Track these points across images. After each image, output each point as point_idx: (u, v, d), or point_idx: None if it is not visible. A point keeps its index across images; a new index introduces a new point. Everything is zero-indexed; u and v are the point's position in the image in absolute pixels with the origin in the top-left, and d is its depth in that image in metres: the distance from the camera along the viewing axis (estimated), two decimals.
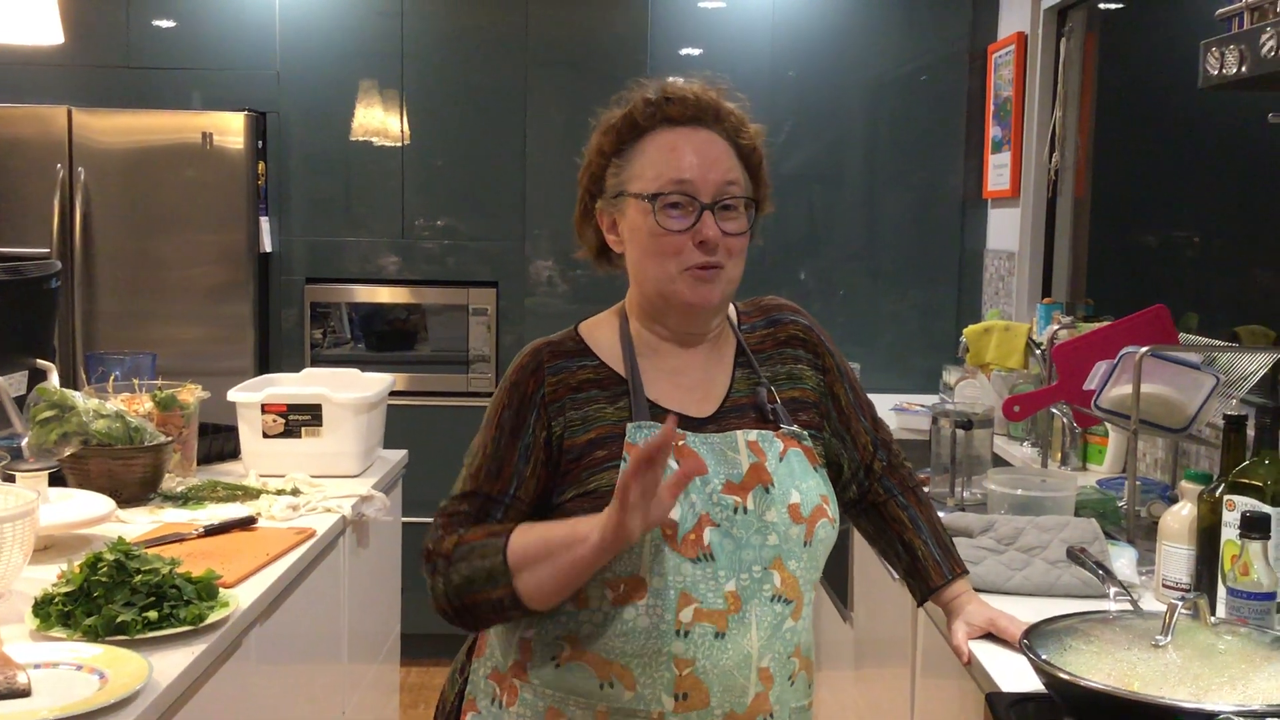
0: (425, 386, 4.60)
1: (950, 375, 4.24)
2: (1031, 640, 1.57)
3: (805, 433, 1.67)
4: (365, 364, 4.19)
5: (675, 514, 1.51)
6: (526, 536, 1.51)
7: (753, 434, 1.61)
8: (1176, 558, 2.09)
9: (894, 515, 1.86)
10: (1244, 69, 1.63)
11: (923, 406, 4.17)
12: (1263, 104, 3.02)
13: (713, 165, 1.58)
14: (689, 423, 1.60)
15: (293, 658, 2.41)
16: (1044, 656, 1.52)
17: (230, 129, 4.32)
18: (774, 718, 1.57)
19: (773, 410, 1.65)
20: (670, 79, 1.65)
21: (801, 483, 1.61)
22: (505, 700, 1.61)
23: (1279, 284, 3.36)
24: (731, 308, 1.76)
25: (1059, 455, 3.35)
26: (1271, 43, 1.51)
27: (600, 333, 1.67)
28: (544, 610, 1.53)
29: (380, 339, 4.65)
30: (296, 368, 4.39)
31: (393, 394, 4.37)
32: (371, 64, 4.54)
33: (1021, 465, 3.32)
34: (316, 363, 4.46)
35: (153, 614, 1.82)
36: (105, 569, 1.85)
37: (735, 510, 1.55)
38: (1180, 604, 1.53)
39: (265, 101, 4.50)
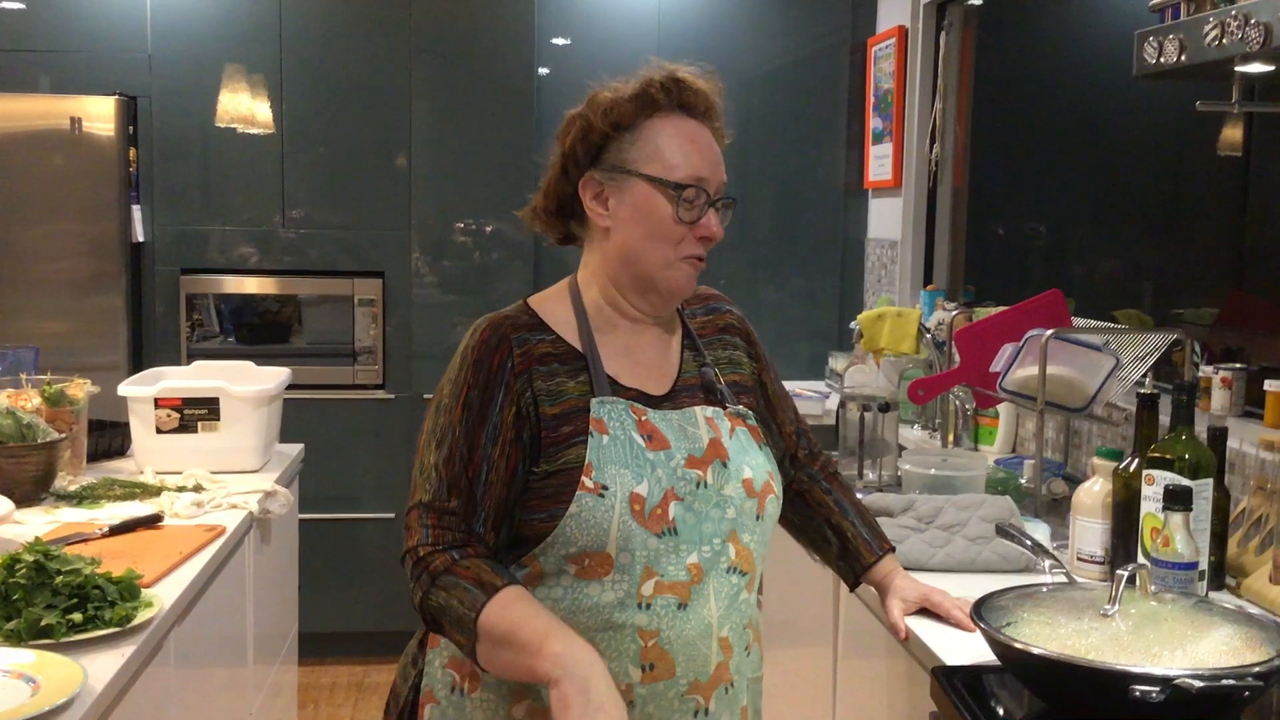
0: (310, 379, 4.48)
1: (838, 362, 4.32)
2: (981, 614, 1.61)
3: (750, 412, 1.72)
4: (240, 357, 4.06)
5: (643, 489, 1.53)
6: (503, 614, 1.45)
7: (709, 410, 1.65)
8: (1091, 531, 2.17)
9: (819, 500, 1.91)
10: (1184, 58, 1.69)
11: (815, 392, 4.24)
12: (1134, 95, 3.15)
13: (718, 164, 1.64)
14: (647, 399, 1.62)
15: (206, 660, 2.33)
16: (999, 627, 1.56)
17: (100, 114, 4.13)
18: (734, 686, 1.60)
19: (720, 391, 1.69)
20: (680, 65, 1.65)
21: (752, 459, 1.65)
22: (467, 687, 1.58)
23: (1143, 270, 3.52)
24: None
25: (952, 437, 3.44)
26: (1215, 32, 1.57)
27: (552, 307, 1.66)
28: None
29: (252, 331, 4.50)
30: (172, 362, 4.23)
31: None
32: (248, 49, 4.40)
33: (914, 445, 3.40)
34: (195, 356, 4.30)
35: (77, 616, 1.75)
36: (24, 570, 1.76)
37: (698, 485, 1.58)
38: (1125, 574, 1.58)
39: (136, 86, 4.32)
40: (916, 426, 3.68)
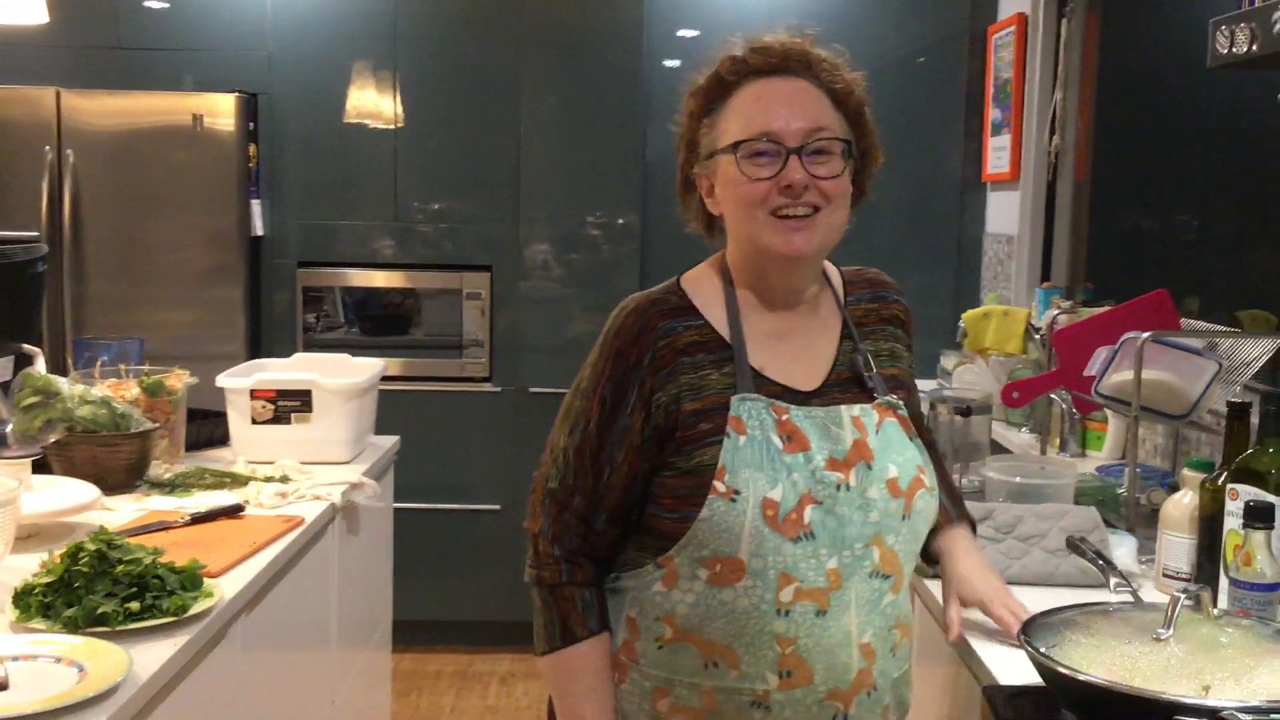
0: (419, 371, 4.56)
1: (948, 360, 4.20)
2: (1030, 633, 1.53)
3: (900, 403, 1.64)
4: (359, 348, 4.15)
5: (776, 494, 1.49)
6: (580, 659, 1.58)
7: (855, 409, 1.58)
8: (1178, 547, 2.06)
9: None
10: (1254, 48, 1.58)
11: (923, 392, 4.13)
12: (1270, 84, 2.97)
13: (800, 112, 1.54)
14: (794, 395, 1.57)
15: (280, 647, 2.38)
16: (1042, 649, 1.49)
17: (221, 110, 4.26)
18: (878, 689, 1.55)
19: (869, 378, 1.62)
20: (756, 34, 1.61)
21: (898, 455, 1.58)
22: (618, 678, 1.61)
23: (1277, 269, 3.33)
24: (837, 275, 1.72)
25: (1058, 442, 3.31)
26: None
27: (702, 288, 1.62)
28: None
29: (374, 323, 4.61)
30: (288, 353, 4.33)
31: (386, 379, 4.34)
32: (364, 45, 4.49)
33: (1020, 452, 3.28)
34: (309, 347, 4.42)
35: (135, 605, 1.79)
36: (86, 559, 1.81)
37: (838, 487, 1.52)
38: (1183, 596, 1.49)
39: (256, 83, 4.44)
40: (1025, 430, 3.55)
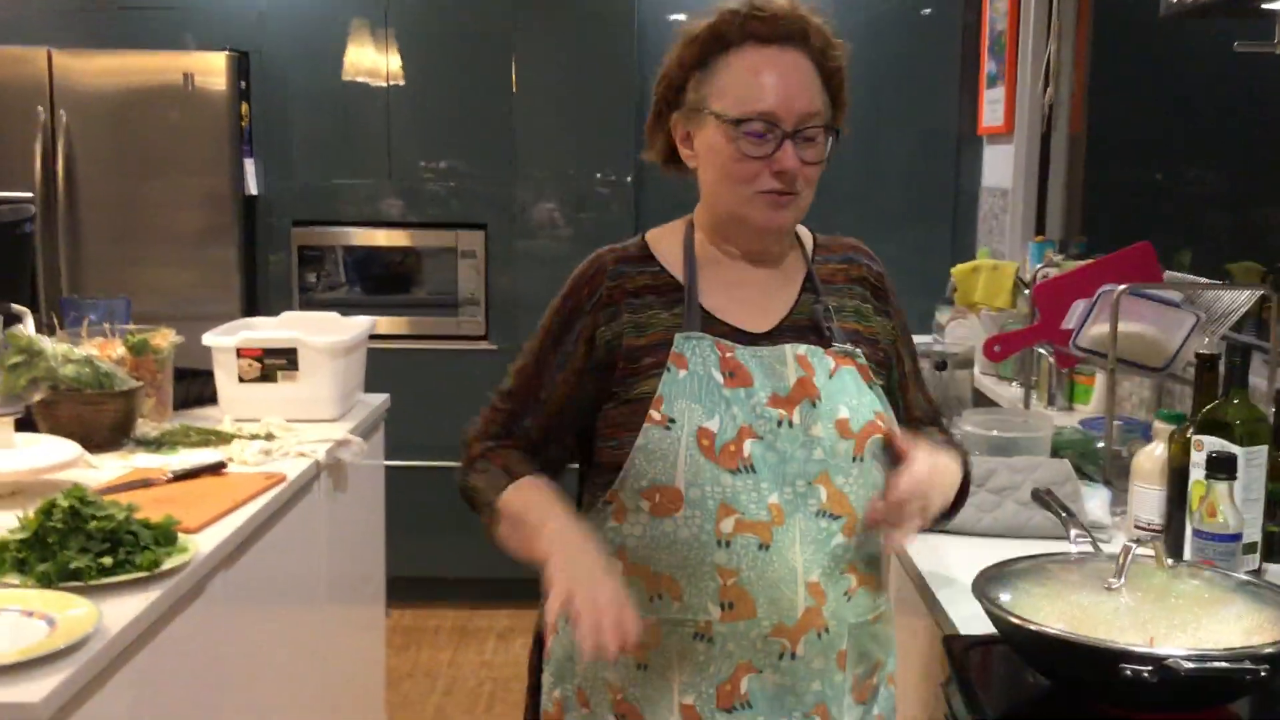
0: (418, 330, 4.58)
1: (943, 315, 4.19)
2: (985, 583, 1.54)
3: (858, 350, 1.63)
4: (357, 308, 4.18)
5: (713, 424, 1.52)
6: (519, 495, 1.59)
7: (801, 348, 1.59)
8: (1148, 498, 2.07)
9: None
10: None
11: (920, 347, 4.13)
12: (1253, 36, 2.94)
13: (798, 94, 1.55)
14: (742, 336, 1.60)
15: (263, 603, 2.41)
16: (996, 599, 1.50)
17: (212, 69, 4.25)
18: (829, 632, 1.56)
19: (828, 329, 1.63)
20: None
21: (853, 399, 1.58)
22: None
23: (1275, 220, 3.30)
24: (809, 238, 1.74)
25: (1046, 395, 3.31)
26: None
27: (665, 241, 1.68)
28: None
29: (373, 282, 4.62)
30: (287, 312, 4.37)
31: (384, 337, 4.38)
32: (357, 4, 4.46)
33: (1008, 405, 3.29)
34: (308, 307, 4.44)
35: (107, 560, 1.81)
36: (60, 515, 1.83)
37: (779, 424, 1.54)
38: (1135, 546, 1.50)
39: (248, 41, 4.43)
40: (1016, 384, 3.55)
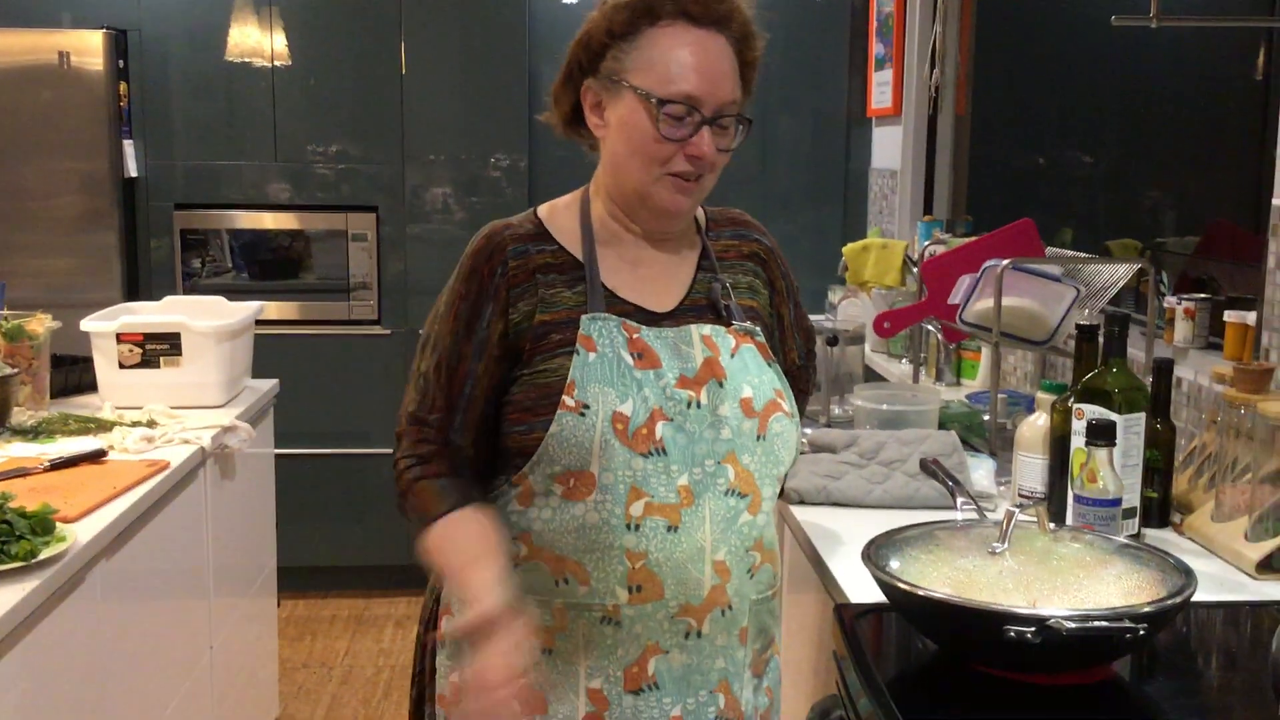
0: (309, 315, 4.49)
1: (834, 294, 4.24)
2: (874, 551, 1.56)
3: (757, 329, 1.64)
4: (245, 293, 4.07)
5: (627, 408, 1.50)
6: (444, 531, 1.52)
7: (706, 328, 1.60)
8: (1031, 467, 2.12)
9: None
10: None
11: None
12: (1130, 7, 3.01)
13: (720, 81, 1.54)
14: (646, 316, 1.58)
15: (146, 593, 2.34)
16: (885, 566, 1.51)
17: (89, 48, 4.11)
18: (733, 609, 1.56)
19: (726, 307, 1.63)
20: None
21: (754, 378, 1.59)
22: None
23: (1152, 199, 3.40)
24: (700, 211, 1.73)
25: (934, 371, 3.37)
26: None
27: (559, 217, 1.63)
28: None
29: (261, 267, 4.51)
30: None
31: (274, 323, 4.29)
32: None
33: (897, 381, 3.34)
34: (194, 292, 4.32)
35: None
36: None
37: (689, 405, 1.53)
38: (1017, 511, 1.53)
39: (126, 19, 4.29)
40: (905, 361, 3.61)
